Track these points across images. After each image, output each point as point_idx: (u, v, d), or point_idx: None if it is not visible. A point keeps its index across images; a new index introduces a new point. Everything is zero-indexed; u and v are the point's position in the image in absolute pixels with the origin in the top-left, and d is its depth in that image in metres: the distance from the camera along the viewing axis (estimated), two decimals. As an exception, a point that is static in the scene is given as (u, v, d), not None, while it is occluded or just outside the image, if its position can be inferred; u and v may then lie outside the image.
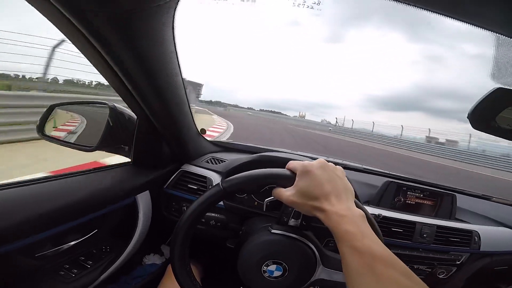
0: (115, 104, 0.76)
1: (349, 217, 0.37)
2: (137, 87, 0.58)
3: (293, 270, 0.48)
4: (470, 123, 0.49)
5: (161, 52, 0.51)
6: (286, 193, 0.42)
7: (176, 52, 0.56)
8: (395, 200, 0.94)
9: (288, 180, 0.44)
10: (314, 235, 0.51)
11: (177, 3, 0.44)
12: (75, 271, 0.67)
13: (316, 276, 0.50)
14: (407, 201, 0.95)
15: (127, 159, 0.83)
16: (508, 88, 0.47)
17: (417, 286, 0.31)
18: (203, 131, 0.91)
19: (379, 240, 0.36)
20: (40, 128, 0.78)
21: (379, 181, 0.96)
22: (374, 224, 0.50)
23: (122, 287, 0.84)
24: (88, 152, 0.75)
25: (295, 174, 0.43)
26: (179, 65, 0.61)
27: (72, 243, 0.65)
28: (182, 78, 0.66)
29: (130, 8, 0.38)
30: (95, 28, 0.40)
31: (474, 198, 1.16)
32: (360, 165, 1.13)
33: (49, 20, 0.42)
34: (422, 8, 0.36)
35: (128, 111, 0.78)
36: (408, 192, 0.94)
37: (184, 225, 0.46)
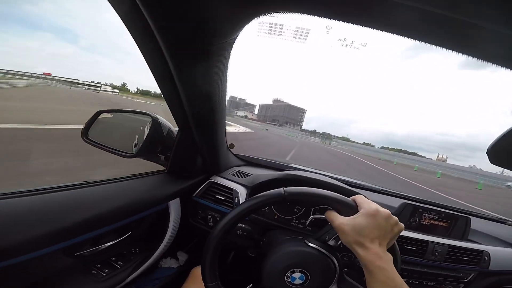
0: (158, 116, 0.82)
1: (384, 259, 0.44)
2: (190, 103, 0.63)
3: (314, 280, 0.53)
4: (489, 158, 0.52)
5: (218, 78, 0.57)
6: (340, 220, 0.48)
7: (226, 76, 0.63)
8: (411, 220, 0.97)
9: (349, 210, 0.50)
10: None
11: (235, 39, 0.51)
12: (106, 270, 0.72)
13: None
14: (422, 222, 0.98)
15: (162, 168, 0.88)
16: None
17: None
18: (232, 145, 0.97)
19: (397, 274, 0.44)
20: (85, 133, 0.83)
21: (396, 202, 1.00)
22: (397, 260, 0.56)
23: None
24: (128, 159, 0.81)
25: (357, 207, 0.50)
26: (226, 86, 0.67)
27: (107, 244, 0.69)
28: (225, 95, 0.72)
29: (210, 43, 0.44)
30: (179, 50, 0.46)
31: (489, 221, 1.19)
32: (379, 187, 1.17)
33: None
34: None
35: (168, 124, 0.83)
36: (424, 214, 0.98)
37: (241, 212, 0.51)
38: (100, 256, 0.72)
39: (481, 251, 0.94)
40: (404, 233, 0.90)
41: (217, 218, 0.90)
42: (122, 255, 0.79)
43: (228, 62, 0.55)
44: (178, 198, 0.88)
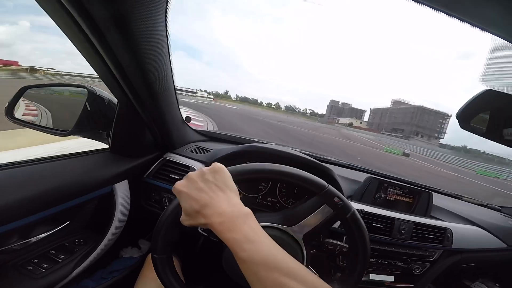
0: (95, 88, 0.72)
1: (228, 222, 0.36)
2: (120, 69, 0.55)
3: None
4: (458, 123, 0.51)
5: (150, 38, 0.49)
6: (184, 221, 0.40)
7: (167, 41, 0.55)
8: (376, 196, 0.96)
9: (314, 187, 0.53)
10: None
11: None
12: (45, 265, 0.63)
13: None
14: (387, 197, 0.97)
15: (105, 146, 0.78)
16: (496, 90, 0.49)
17: (302, 285, 0.32)
18: (188, 119, 0.89)
19: (265, 239, 0.36)
20: (9, 111, 0.72)
21: (362, 177, 0.99)
22: None
23: (98, 281, 0.80)
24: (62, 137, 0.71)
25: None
26: (169, 53, 0.59)
27: (42, 235, 0.61)
28: (170, 65, 0.64)
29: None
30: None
31: (447, 197, 1.22)
32: (345, 162, 1.15)
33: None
34: (424, 4, 0.37)
35: (110, 96, 0.74)
36: (389, 189, 0.97)
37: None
38: (35, 250, 0.63)
39: (444, 229, 0.95)
40: (372, 209, 0.89)
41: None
42: (63, 247, 0.70)
43: (162, 19, 0.48)
44: (126, 180, 0.79)
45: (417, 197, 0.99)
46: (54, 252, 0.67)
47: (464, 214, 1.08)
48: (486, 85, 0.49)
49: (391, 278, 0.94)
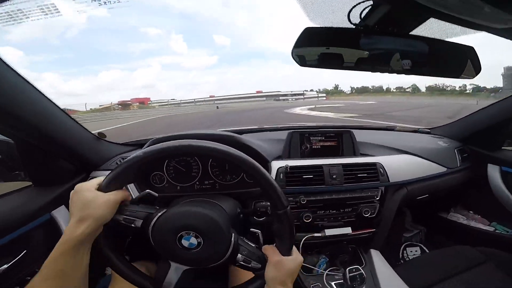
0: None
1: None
2: None
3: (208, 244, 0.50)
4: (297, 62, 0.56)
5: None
6: (279, 258, 0.50)
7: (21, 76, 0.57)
8: (302, 148, 1.01)
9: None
10: None
11: None
12: None
13: None
14: (313, 147, 1.02)
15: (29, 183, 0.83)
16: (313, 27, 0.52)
17: None
18: (102, 135, 0.92)
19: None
20: None
21: (285, 135, 1.02)
22: None
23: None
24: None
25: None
26: (32, 85, 0.61)
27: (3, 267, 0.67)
28: (42, 93, 0.65)
29: None
30: None
31: (381, 131, 1.25)
32: (266, 126, 1.18)
33: None
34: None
35: (6, 139, 0.77)
36: (311, 138, 1.01)
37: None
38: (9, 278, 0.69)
39: (374, 163, 0.95)
40: (297, 162, 0.92)
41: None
42: (24, 281, 0.75)
43: None
44: (63, 206, 0.85)
45: (340, 138, 1.02)
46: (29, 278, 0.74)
47: (395, 144, 1.08)
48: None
49: (348, 230, 0.91)
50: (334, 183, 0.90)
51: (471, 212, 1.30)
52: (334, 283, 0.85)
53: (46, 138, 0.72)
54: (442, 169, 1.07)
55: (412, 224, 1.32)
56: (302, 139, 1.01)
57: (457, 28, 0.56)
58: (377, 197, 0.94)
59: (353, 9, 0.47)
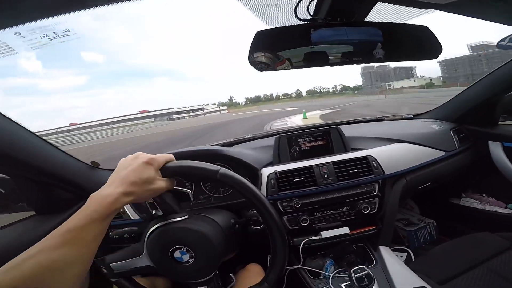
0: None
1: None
2: None
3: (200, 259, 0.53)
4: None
5: None
6: None
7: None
8: (292, 151, 1.01)
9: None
10: None
11: None
12: None
13: None
14: (302, 148, 1.02)
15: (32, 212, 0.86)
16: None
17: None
18: (96, 163, 0.95)
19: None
20: None
21: (273, 141, 1.02)
22: None
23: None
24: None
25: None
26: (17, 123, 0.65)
27: None
28: (23, 129, 0.70)
29: None
30: None
31: (370, 124, 1.23)
32: (250, 135, 1.18)
33: None
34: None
35: (1, 175, 0.81)
36: (299, 140, 1.01)
37: None
38: None
39: (365, 157, 0.92)
40: (286, 166, 0.91)
41: (133, 234, 0.86)
42: None
43: None
44: None
45: (328, 136, 1.02)
46: None
47: (387, 134, 1.05)
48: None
49: (346, 230, 0.88)
50: (327, 183, 0.87)
51: (484, 195, 1.22)
52: (344, 285, 0.80)
53: (37, 171, 0.75)
54: (440, 154, 1.02)
55: (420, 218, 1.24)
56: (290, 142, 1.01)
57: (409, 9, 0.58)
58: (374, 191, 0.90)
59: (299, 5, 0.49)
